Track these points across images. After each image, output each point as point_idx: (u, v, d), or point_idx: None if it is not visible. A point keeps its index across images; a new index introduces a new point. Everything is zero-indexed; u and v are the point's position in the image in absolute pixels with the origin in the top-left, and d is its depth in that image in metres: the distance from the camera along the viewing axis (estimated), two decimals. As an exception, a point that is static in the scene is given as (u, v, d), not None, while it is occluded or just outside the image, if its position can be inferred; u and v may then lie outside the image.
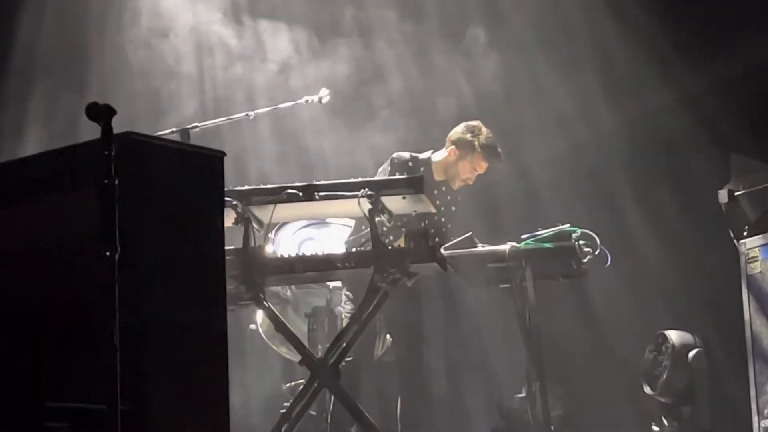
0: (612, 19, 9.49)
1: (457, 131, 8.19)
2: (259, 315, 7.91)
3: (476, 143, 8.10)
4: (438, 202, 8.05)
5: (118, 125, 4.56)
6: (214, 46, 9.51)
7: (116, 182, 4.52)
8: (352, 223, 7.92)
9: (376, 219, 7.20)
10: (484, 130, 8.15)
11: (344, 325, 7.58)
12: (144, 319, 4.81)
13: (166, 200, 5.03)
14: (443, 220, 8.15)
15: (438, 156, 8.20)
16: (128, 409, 4.52)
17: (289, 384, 8.03)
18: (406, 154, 8.13)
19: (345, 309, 7.91)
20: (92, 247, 4.52)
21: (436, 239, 7.54)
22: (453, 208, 8.23)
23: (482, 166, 8.16)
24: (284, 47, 9.55)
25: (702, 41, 9.14)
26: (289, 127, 9.34)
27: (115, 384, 4.43)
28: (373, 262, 7.18)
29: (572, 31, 9.62)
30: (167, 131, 7.86)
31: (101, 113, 4.57)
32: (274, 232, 7.88)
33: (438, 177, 8.15)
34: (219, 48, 9.51)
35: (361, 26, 9.65)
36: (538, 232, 7.86)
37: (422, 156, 8.17)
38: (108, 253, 4.48)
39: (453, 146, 8.15)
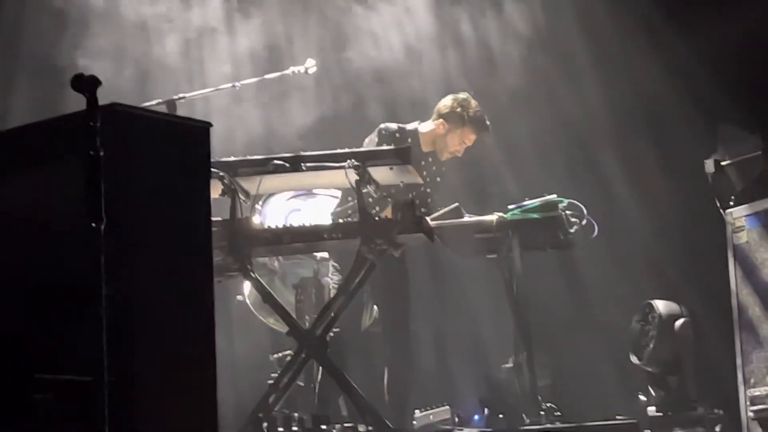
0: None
1: (447, 104, 8.19)
2: (247, 286, 7.93)
3: (466, 116, 8.11)
4: (425, 173, 8.06)
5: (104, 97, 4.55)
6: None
7: (101, 154, 4.51)
8: (339, 194, 7.92)
9: (363, 190, 7.21)
10: (473, 102, 8.16)
11: (331, 296, 7.60)
12: (130, 290, 4.81)
13: (151, 171, 5.02)
14: (429, 191, 8.15)
15: (425, 127, 8.20)
16: (114, 380, 4.52)
17: (276, 355, 8.04)
18: (394, 125, 8.13)
19: (332, 280, 7.92)
20: (78, 219, 4.52)
21: (423, 210, 7.56)
22: (438, 179, 8.24)
23: (471, 139, 8.18)
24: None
25: (690, 11, 9.13)
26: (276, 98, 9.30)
27: (102, 356, 4.43)
28: (360, 233, 7.19)
29: (560, 3, 9.61)
30: (153, 102, 7.85)
31: (86, 84, 4.56)
32: (261, 203, 7.88)
33: (425, 148, 8.15)
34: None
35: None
36: (524, 203, 7.87)
37: (409, 127, 8.17)
38: (94, 225, 4.47)
39: (442, 119, 8.16)
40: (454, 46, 9.56)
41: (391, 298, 8.08)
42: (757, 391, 7.36)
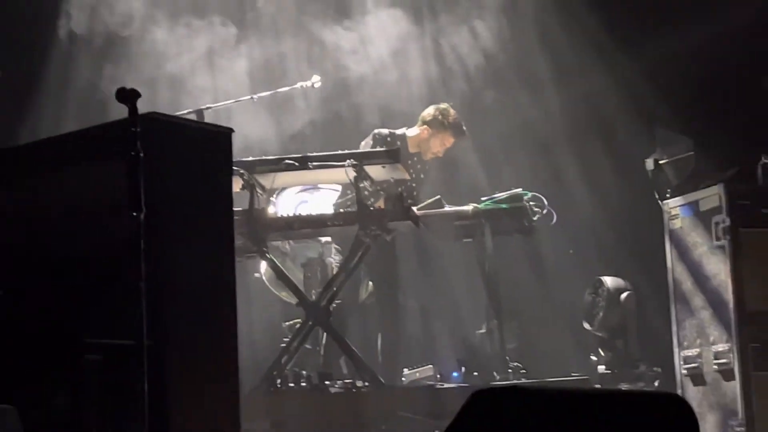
0: (558, 15, 9.48)
1: (430, 112, 8.20)
2: (263, 265, 7.92)
3: (446, 123, 8.12)
4: (411, 171, 8.06)
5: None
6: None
7: (141, 154, 4.53)
8: (340, 188, 7.92)
9: (360, 185, 7.23)
10: (451, 111, 8.17)
11: (334, 273, 7.60)
12: (165, 269, 4.84)
13: (183, 169, 5.05)
14: (415, 185, 8.16)
15: (412, 132, 8.21)
16: (152, 344, 4.55)
17: (288, 323, 8.04)
18: (386, 131, 8.14)
19: (334, 260, 7.92)
20: (122, 209, 4.54)
21: (410, 201, 7.58)
22: (422, 176, 8.25)
23: (450, 142, 8.19)
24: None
25: (632, 31, 9.15)
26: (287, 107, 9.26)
27: (141, 323, 4.45)
28: (358, 220, 7.21)
29: (523, 24, 9.60)
30: (185, 111, 7.86)
31: (128, 96, 4.59)
32: (275, 196, 7.89)
33: (412, 150, 8.16)
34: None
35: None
36: (495, 195, 7.88)
37: (398, 132, 8.18)
38: (134, 214, 4.50)
39: (426, 126, 8.17)
40: (431, 59, 9.51)
41: (383, 275, 8.08)
42: (688, 352, 7.37)
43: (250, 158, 7.38)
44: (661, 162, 7.82)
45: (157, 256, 4.69)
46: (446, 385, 7.45)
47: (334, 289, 7.33)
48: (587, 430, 3.09)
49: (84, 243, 5.00)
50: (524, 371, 7.63)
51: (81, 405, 4.74)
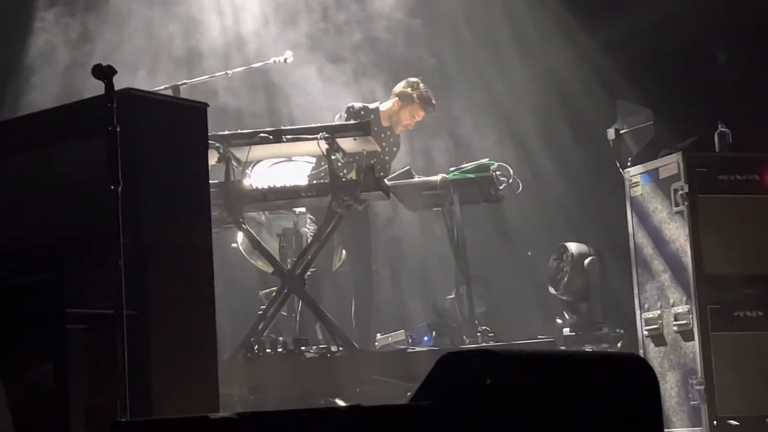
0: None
1: (400, 86, 8.17)
2: (240, 236, 7.91)
3: (415, 96, 8.08)
4: (384, 144, 8.04)
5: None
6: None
7: (118, 129, 4.50)
8: (314, 160, 7.90)
9: (333, 157, 7.20)
10: (421, 85, 8.13)
11: (308, 242, 7.59)
12: (144, 240, 4.82)
13: (160, 143, 5.02)
14: (387, 158, 8.14)
15: (384, 106, 8.17)
16: (132, 313, 4.53)
17: (264, 291, 8.03)
18: (359, 104, 8.09)
19: (309, 230, 7.91)
20: (100, 182, 4.51)
21: (381, 173, 7.56)
22: (395, 149, 8.23)
23: (420, 115, 8.15)
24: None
25: (595, 8, 9.15)
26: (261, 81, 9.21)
27: (121, 293, 4.43)
28: (331, 191, 7.19)
29: (490, 2, 9.58)
30: (161, 87, 7.80)
31: (104, 72, 4.55)
32: (250, 168, 7.86)
33: (384, 123, 8.13)
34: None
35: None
36: (462, 165, 7.88)
37: (372, 106, 8.14)
38: (113, 187, 4.47)
39: (396, 98, 8.14)
40: (407, 34, 9.49)
41: (356, 243, 8.07)
42: (649, 315, 7.39)
43: (226, 132, 7.34)
44: (622, 132, 7.83)
45: (135, 227, 4.68)
46: (417, 349, 7.47)
47: (309, 257, 7.32)
48: (552, 390, 3.09)
49: (66, 216, 4.97)
50: (492, 334, 7.65)
51: (64, 373, 4.71)
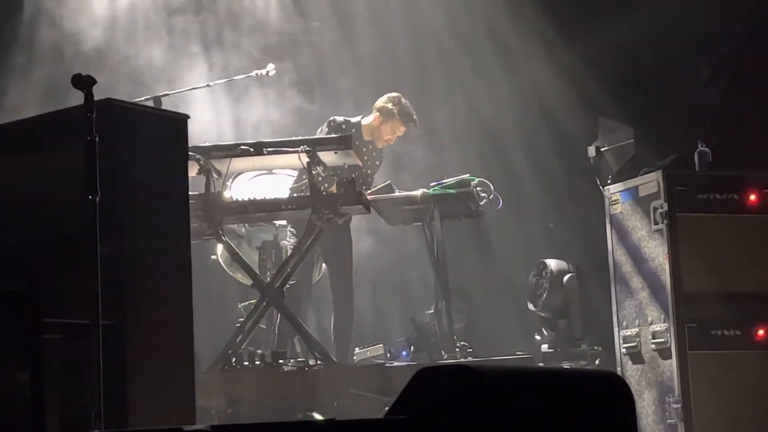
0: (504, 7, 9.49)
1: (381, 101, 8.16)
2: (219, 248, 7.89)
3: (396, 111, 8.07)
4: (366, 158, 8.04)
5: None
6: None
7: (97, 139, 4.49)
8: (295, 173, 7.89)
9: (313, 170, 7.20)
10: (403, 100, 8.13)
11: (288, 255, 7.58)
12: (121, 250, 4.81)
13: (139, 154, 5.02)
14: (369, 171, 8.14)
15: (366, 120, 8.17)
16: (109, 323, 4.52)
17: (243, 303, 8.02)
18: (341, 118, 8.09)
19: (289, 242, 7.90)
20: (79, 192, 4.50)
21: (363, 186, 7.57)
22: (377, 163, 8.23)
23: (401, 130, 8.14)
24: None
25: (575, 23, 9.18)
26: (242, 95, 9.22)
27: (97, 303, 4.42)
28: (311, 204, 7.19)
29: (473, 16, 9.61)
30: (143, 98, 7.79)
31: (84, 83, 4.54)
32: (230, 180, 7.85)
33: (366, 137, 8.12)
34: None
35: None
36: (443, 180, 7.88)
37: (353, 120, 8.14)
38: (91, 197, 4.46)
39: (377, 113, 8.13)
40: (389, 46, 9.51)
41: (336, 256, 8.06)
42: (628, 332, 7.40)
43: (207, 144, 7.34)
44: (602, 149, 7.85)
45: (113, 237, 4.66)
46: (395, 364, 7.46)
47: (288, 270, 7.31)
48: (528, 406, 3.09)
49: (44, 225, 4.96)
50: (471, 350, 7.65)
51: (39, 383, 4.68)
